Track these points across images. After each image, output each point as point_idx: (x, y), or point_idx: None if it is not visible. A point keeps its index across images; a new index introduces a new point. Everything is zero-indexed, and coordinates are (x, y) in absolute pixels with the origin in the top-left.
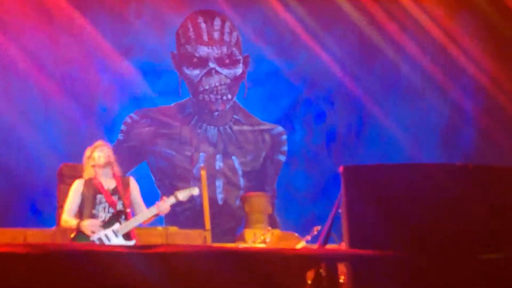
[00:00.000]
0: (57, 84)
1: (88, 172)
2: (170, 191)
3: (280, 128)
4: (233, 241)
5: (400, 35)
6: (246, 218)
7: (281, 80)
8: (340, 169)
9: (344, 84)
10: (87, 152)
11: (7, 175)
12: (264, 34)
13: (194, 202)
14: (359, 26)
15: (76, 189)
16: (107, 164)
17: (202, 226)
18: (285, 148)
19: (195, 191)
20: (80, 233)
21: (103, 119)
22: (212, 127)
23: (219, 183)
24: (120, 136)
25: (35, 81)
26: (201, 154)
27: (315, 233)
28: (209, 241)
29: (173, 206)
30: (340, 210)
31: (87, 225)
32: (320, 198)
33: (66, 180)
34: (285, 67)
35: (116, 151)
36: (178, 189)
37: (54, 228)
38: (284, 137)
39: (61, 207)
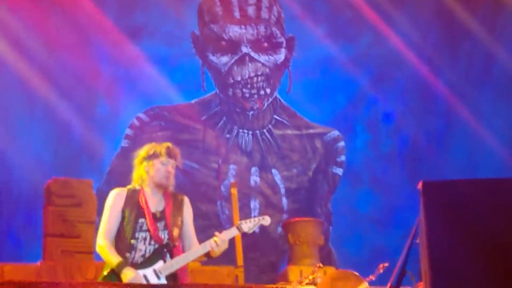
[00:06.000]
0: (44, 76)
1: (136, 180)
2: None
3: (335, 133)
4: (274, 281)
5: (496, 9)
6: (290, 251)
7: (336, 70)
8: (419, 185)
9: (421, 75)
10: (146, 151)
11: None
12: (314, 9)
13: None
14: None
15: (115, 204)
16: (163, 186)
17: (232, 261)
18: (343, 158)
19: (266, 221)
20: (114, 274)
21: (103, 122)
22: (245, 131)
23: (254, 204)
24: (125, 143)
25: (15, 72)
26: (231, 166)
27: (382, 271)
28: (241, 281)
29: None
30: (417, 240)
31: (131, 278)
32: (390, 224)
33: (55, 200)
34: (342, 53)
35: (119, 162)
36: (201, 211)
37: (39, 262)
38: (341, 144)
39: (49, 235)
